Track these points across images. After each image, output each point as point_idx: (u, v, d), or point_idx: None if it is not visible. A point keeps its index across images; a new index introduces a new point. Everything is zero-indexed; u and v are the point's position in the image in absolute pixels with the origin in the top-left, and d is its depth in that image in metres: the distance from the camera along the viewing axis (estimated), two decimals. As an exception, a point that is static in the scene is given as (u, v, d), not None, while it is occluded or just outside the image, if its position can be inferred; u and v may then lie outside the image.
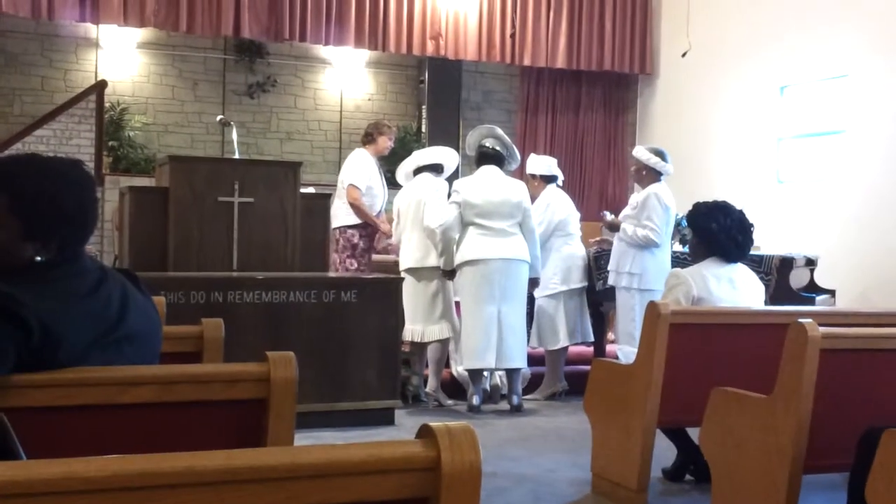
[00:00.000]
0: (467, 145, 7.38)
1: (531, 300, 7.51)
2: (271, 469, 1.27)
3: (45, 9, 9.05)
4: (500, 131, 7.33)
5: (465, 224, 6.93)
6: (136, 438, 2.13)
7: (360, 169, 7.95)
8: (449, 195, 7.18)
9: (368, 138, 8.18)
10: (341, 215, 7.92)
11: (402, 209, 7.35)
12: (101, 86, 10.38)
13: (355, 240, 7.94)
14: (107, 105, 10.65)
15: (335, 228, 7.94)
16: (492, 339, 6.84)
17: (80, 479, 1.20)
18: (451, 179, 7.56)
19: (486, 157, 7.12)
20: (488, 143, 7.15)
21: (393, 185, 8.11)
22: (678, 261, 7.03)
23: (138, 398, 2.11)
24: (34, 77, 11.08)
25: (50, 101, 10.88)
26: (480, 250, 6.86)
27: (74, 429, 2.10)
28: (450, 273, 7.03)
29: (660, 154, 7.12)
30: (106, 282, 2.23)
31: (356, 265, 7.90)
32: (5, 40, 10.93)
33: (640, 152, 7.20)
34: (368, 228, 7.98)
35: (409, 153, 8.13)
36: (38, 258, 2.16)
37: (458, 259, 6.94)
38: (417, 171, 7.45)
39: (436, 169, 7.45)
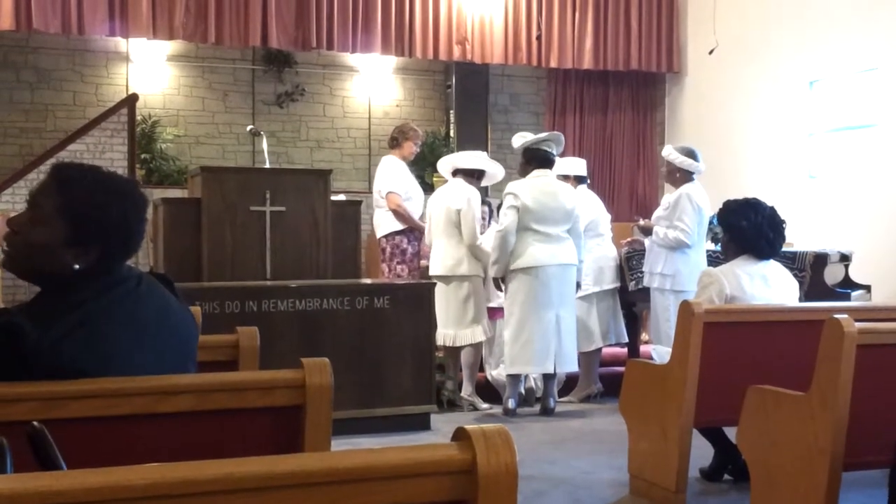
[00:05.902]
0: (522, 139, 7.18)
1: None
2: (310, 474, 1.29)
3: (75, 24, 9.14)
4: (563, 140, 7.30)
5: (520, 229, 6.88)
6: (174, 447, 2.15)
7: (396, 175, 7.93)
8: (484, 202, 7.19)
9: (394, 143, 8.14)
10: (385, 223, 7.90)
11: (433, 216, 7.34)
12: (132, 99, 10.47)
13: (404, 245, 7.91)
14: (138, 118, 10.74)
15: (381, 237, 7.94)
16: (551, 345, 6.85)
17: (121, 487, 1.21)
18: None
19: (546, 161, 7.06)
20: (550, 147, 7.10)
21: (427, 188, 8.10)
22: (713, 260, 6.99)
23: (177, 407, 2.13)
24: (66, 92, 11.20)
25: (82, 115, 10.99)
26: (538, 257, 6.84)
27: (114, 439, 2.12)
28: (501, 280, 6.98)
29: (690, 153, 7.05)
30: (141, 288, 2.27)
31: (407, 270, 7.87)
32: (37, 56, 11.06)
33: (670, 153, 7.11)
34: (415, 233, 7.96)
35: (438, 158, 8.12)
36: (77, 266, 2.19)
37: (512, 264, 6.89)
38: (455, 173, 7.43)
39: (472, 174, 7.42)
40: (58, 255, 2.19)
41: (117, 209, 2.23)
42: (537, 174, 7.01)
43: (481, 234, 7.33)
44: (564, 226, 6.95)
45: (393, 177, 7.92)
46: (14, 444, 1.52)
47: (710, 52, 10.96)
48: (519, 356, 6.90)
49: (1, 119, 10.96)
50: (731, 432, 4.53)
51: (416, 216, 7.93)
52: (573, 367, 7.13)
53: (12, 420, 1.93)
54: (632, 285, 7.58)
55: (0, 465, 1.49)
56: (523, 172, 7.11)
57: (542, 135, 7.26)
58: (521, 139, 7.21)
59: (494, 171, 7.63)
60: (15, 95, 11.01)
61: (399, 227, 7.86)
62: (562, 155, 7.54)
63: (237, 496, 1.25)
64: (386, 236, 7.91)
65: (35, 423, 1.63)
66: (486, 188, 8.47)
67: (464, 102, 12.06)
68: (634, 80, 12.06)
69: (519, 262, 6.87)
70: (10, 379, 2.07)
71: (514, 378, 7.01)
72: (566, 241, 6.96)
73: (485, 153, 7.87)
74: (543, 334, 6.85)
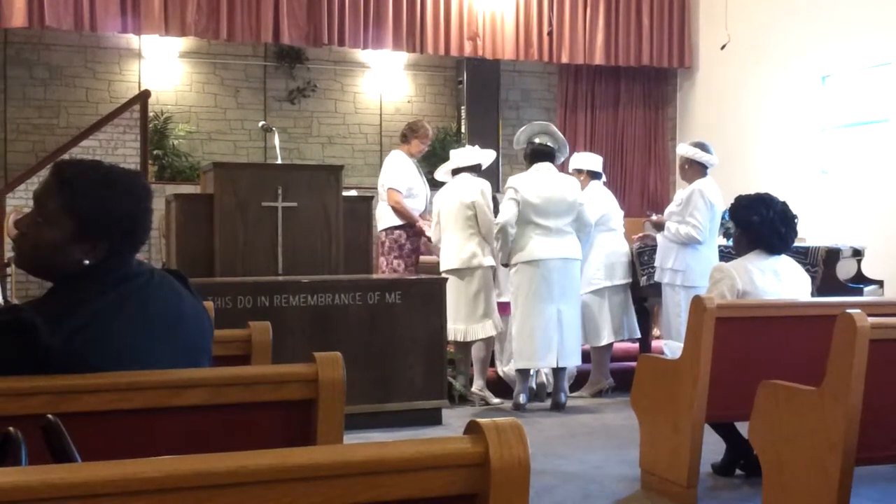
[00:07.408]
0: (517, 140, 7.30)
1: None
2: (323, 467, 1.29)
3: (87, 21, 9.16)
4: (553, 127, 7.34)
5: (522, 222, 6.90)
6: (187, 440, 2.16)
7: (398, 171, 7.99)
8: (494, 197, 7.23)
9: (404, 138, 8.24)
10: (386, 217, 7.96)
11: (444, 210, 7.34)
12: (144, 96, 10.51)
13: (402, 240, 7.95)
14: (151, 114, 10.78)
15: (381, 231, 8.00)
16: (552, 339, 6.86)
17: (135, 479, 1.22)
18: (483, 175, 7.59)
19: (541, 154, 7.09)
20: (542, 139, 7.13)
21: (434, 184, 8.13)
22: (725, 255, 6.98)
23: (190, 401, 2.14)
24: (79, 89, 11.24)
25: (95, 112, 11.03)
26: (539, 250, 6.85)
27: (127, 432, 2.13)
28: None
29: (702, 146, 7.07)
30: (153, 283, 2.28)
31: (403, 266, 7.91)
32: (50, 53, 11.09)
33: (683, 148, 7.18)
34: (415, 228, 8.01)
35: (448, 154, 8.15)
36: (86, 261, 2.21)
37: (514, 258, 6.94)
38: (456, 171, 7.45)
39: (474, 169, 7.45)
40: (66, 253, 2.20)
41: (121, 201, 2.24)
42: (537, 167, 7.05)
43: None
44: (567, 218, 6.95)
45: (395, 173, 7.98)
46: (29, 437, 1.53)
47: (722, 48, 10.92)
48: (524, 350, 6.92)
49: (14, 116, 11.00)
50: (742, 427, 4.53)
51: (417, 213, 7.97)
52: (576, 361, 7.11)
53: (27, 413, 1.95)
54: (643, 280, 7.58)
55: (15, 458, 1.50)
56: (527, 168, 7.17)
57: (528, 129, 7.26)
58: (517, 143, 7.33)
59: (487, 158, 7.71)
60: (28, 92, 11.05)
61: (399, 222, 7.92)
62: (574, 150, 7.58)
63: (250, 489, 1.26)
64: (386, 230, 7.97)
65: (50, 416, 1.65)
66: (497, 184, 8.52)
67: (475, 98, 12.06)
68: (646, 76, 12.04)
69: (521, 255, 6.89)
70: (22, 375, 2.08)
71: (524, 373, 7.01)
72: (569, 236, 6.96)
73: (475, 147, 7.91)
74: (545, 328, 6.85)
